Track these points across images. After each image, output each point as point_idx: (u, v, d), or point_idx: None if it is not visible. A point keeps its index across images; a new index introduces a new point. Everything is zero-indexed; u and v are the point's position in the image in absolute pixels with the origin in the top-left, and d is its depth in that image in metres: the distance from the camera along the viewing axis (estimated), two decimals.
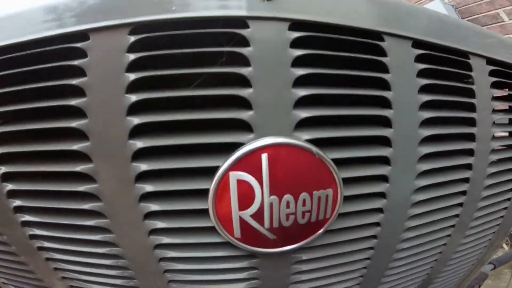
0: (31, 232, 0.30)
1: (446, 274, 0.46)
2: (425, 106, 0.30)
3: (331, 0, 0.26)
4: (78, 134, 0.25)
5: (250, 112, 0.25)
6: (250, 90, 0.24)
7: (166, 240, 0.28)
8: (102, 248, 0.29)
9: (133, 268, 0.30)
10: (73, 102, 0.25)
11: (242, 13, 0.24)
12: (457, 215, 0.37)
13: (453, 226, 0.38)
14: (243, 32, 0.24)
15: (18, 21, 0.26)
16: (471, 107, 0.33)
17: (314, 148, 0.25)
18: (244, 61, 0.24)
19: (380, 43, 0.27)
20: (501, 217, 0.45)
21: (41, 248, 0.31)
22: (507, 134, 0.42)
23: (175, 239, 0.28)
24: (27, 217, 0.29)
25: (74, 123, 0.25)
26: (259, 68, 0.24)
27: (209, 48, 0.25)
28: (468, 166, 0.35)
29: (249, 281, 0.31)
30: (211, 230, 0.27)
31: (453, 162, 0.33)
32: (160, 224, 0.27)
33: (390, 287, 0.40)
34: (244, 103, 0.25)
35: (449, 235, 0.39)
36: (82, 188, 0.26)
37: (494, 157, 0.37)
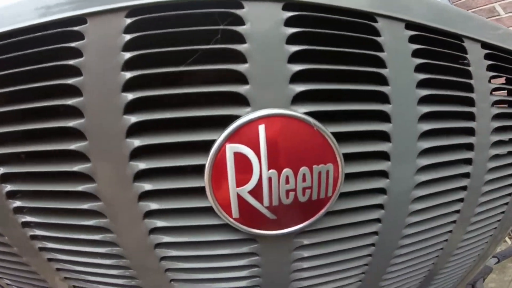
0: (31, 233, 0.28)
1: (449, 269, 0.43)
2: (422, 85, 0.29)
3: None
4: (73, 114, 0.24)
5: (247, 86, 0.23)
6: (246, 65, 0.23)
7: (162, 223, 0.26)
8: (103, 248, 0.28)
9: (131, 262, 0.28)
10: (70, 81, 0.24)
11: None
12: (458, 211, 0.35)
13: (454, 222, 0.36)
14: (238, 12, 0.23)
15: (17, 8, 0.25)
16: (469, 88, 0.32)
17: (312, 120, 0.23)
18: (239, 39, 0.23)
19: (373, 24, 0.27)
20: (502, 212, 0.42)
21: (42, 249, 0.29)
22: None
23: (171, 223, 0.26)
24: (27, 218, 0.28)
25: (70, 101, 0.24)
26: (254, 45, 0.23)
27: (204, 27, 0.24)
28: (468, 161, 0.33)
29: (250, 269, 0.29)
30: (209, 211, 0.25)
31: (454, 141, 0.32)
32: (154, 206, 0.25)
33: (395, 277, 0.37)
34: (240, 80, 0.24)
35: (450, 231, 0.37)
36: (76, 168, 0.24)
37: (494, 151, 0.35)
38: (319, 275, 0.31)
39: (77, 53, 0.23)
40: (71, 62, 0.24)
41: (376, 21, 0.27)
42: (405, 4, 0.29)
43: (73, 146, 0.24)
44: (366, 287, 0.36)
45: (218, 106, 0.24)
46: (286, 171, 0.23)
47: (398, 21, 0.28)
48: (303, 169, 0.23)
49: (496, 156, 0.37)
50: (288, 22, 0.24)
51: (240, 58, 0.23)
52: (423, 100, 0.29)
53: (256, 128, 0.22)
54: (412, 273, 0.39)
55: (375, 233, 0.31)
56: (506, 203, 0.42)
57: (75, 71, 0.23)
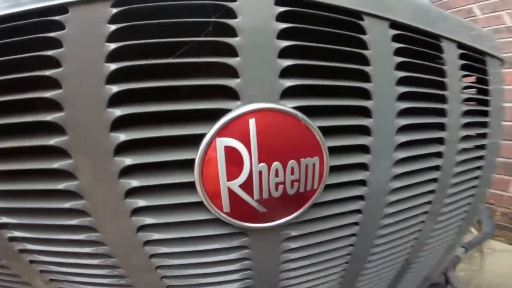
0: (10, 235, 0.27)
1: (423, 257, 0.47)
2: (401, 82, 0.31)
3: None
4: (53, 108, 0.23)
5: (237, 80, 0.23)
6: (237, 59, 0.23)
7: (150, 220, 0.25)
8: (88, 247, 0.26)
9: (119, 260, 0.27)
10: (48, 72, 0.22)
11: None
12: (429, 202, 0.38)
13: (426, 212, 0.39)
14: (231, 4, 0.23)
15: None
16: (443, 86, 0.34)
17: (300, 114, 0.24)
18: (231, 33, 0.23)
19: (360, 22, 0.28)
20: (469, 203, 0.46)
21: (23, 251, 0.28)
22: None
23: (161, 219, 0.25)
24: (4, 219, 0.26)
25: (48, 94, 0.22)
26: (246, 39, 0.23)
27: (196, 19, 0.23)
28: (439, 154, 0.36)
29: (241, 262, 0.29)
30: (199, 206, 0.25)
31: (427, 135, 0.34)
32: (142, 202, 0.24)
33: (374, 266, 0.40)
34: (230, 74, 0.24)
35: (423, 221, 0.39)
36: (56, 164, 0.23)
37: (462, 145, 0.38)
38: (306, 265, 0.32)
39: (58, 44, 0.22)
40: (49, 52, 0.22)
41: (362, 19, 0.28)
42: (390, 4, 0.30)
43: (52, 141, 0.22)
44: (348, 275, 0.38)
45: (207, 100, 0.24)
46: (276, 164, 0.23)
47: (383, 20, 0.29)
48: (292, 162, 0.24)
49: (464, 150, 0.40)
50: (279, 17, 0.24)
51: (231, 51, 0.23)
52: (401, 97, 0.31)
53: (247, 122, 0.22)
54: (390, 262, 0.41)
55: (356, 223, 0.33)
56: (472, 195, 0.46)
57: (55, 63, 0.22)
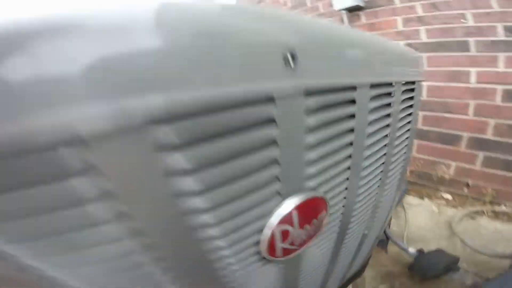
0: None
1: (376, 224, 0.62)
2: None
3: (338, 62, 0.29)
4: None
5: (280, 184, 0.32)
6: (278, 169, 0.30)
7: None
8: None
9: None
10: None
11: (270, 88, 0.24)
12: (378, 186, 0.55)
13: (377, 193, 0.56)
14: (271, 110, 0.25)
15: None
16: (388, 125, 0.49)
17: (323, 194, 0.37)
18: (271, 142, 0.27)
19: (354, 94, 0.33)
20: (402, 169, 0.66)
21: None
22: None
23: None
24: None
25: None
26: (284, 146, 0.28)
27: (240, 134, 0.25)
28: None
29: None
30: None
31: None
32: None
33: (352, 234, 0.61)
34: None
35: (376, 193, 0.56)
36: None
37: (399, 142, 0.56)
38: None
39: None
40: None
41: (355, 90, 0.32)
42: (373, 65, 0.34)
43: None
44: (337, 245, 0.58)
45: (257, 198, 0.32)
46: (306, 226, 0.37)
47: (366, 85, 0.34)
48: (314, 221, 0.38)
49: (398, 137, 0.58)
50: (307, 111, 0.27)
51: (272, 160, 0.28)
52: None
53: (292, 213, 0.34)
54: (358, 231, 0.62)
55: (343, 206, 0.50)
56: (403, 165, 0.66)
57: None
